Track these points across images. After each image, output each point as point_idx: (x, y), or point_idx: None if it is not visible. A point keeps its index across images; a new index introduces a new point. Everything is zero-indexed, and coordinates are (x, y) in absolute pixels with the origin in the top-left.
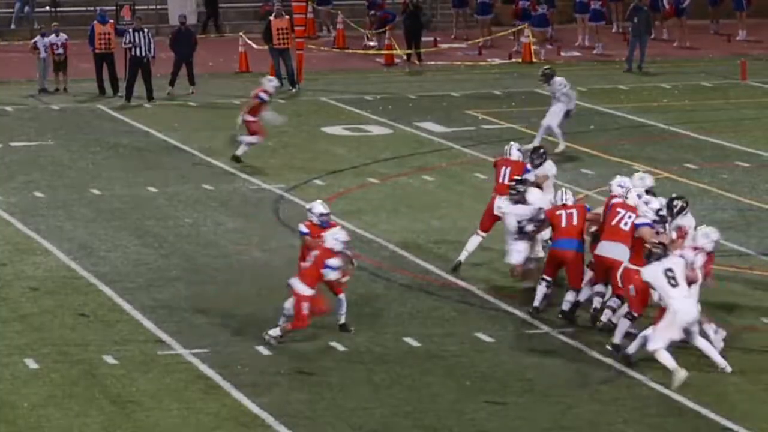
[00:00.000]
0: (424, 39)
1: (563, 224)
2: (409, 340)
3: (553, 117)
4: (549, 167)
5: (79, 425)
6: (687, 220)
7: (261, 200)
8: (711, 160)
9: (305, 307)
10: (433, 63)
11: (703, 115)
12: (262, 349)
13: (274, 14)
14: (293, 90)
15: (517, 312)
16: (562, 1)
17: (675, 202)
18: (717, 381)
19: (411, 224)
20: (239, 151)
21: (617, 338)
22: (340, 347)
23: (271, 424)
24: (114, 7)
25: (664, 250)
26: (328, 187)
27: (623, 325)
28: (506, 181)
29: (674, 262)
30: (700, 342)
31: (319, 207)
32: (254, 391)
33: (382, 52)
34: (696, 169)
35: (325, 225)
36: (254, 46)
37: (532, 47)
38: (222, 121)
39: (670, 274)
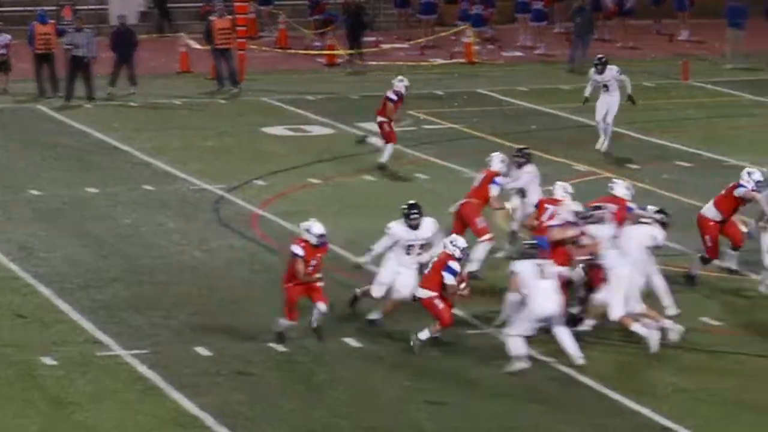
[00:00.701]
0: (366, 39)
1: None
2: (349, 340)
3: (599, 111)
4: (532, 169)
5: (16, 427)
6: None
7: (201, 200)
8: (652, 160)
9: (438, 304)
10: (375, 63)
11: (645, 115)
12: (202, 350)
13: (215, 14)
14: (235, 90)
15: (458, 312)
16: (504, 1)
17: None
18: (657, 381)
19: (353, 224)
20: (384, 159)
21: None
22: (280, 348)
23: (211, 425)
24: (55, 7)
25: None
26: (270, 188)
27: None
28: (476, 185)
29: (547, 262)
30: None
31: (318, 228)
32: (193, 392)
33: (324, 52)
34: (637, 169)
35: (321, 246)
36: (195, 46)
37: (473, 47)
38: (163, 121)
39: (539, 268)
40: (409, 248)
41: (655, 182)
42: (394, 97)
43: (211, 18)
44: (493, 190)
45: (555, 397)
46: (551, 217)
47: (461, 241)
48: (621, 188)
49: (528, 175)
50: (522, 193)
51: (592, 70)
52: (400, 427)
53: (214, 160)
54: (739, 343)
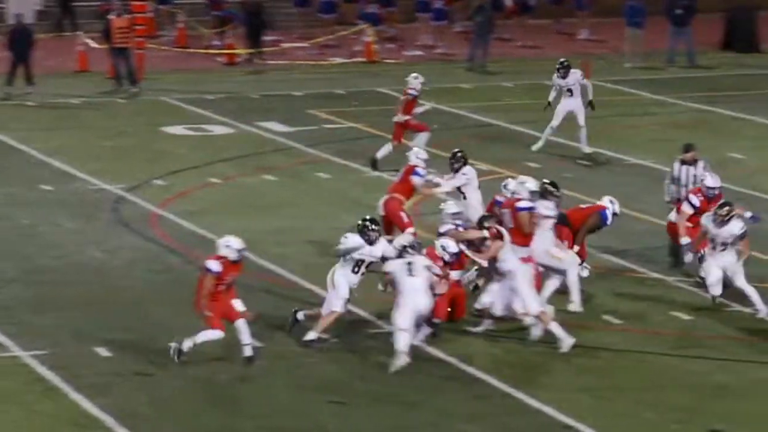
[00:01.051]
0: (265, 38)
1: None
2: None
3: (582, 114)
4: (469, 171)
5: None
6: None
7: (100, 200)
8: (554, 158)
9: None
10: (274, 62)
11: (546, 114)
12: (102, 351)
13: (113, 13)
14: (134, 90)
15: (360, 312)
16: (404, 0)
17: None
18: (559, 379)
19: (253, 224)
20: (379, 154)
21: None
22: (182, 348)
23: (111, 425)
24: None
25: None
26: (169, 188)
27: None
28: (397, 180)
29: (419, 258)
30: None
31: (237, 242)
32: (93, 393)
33: (224, 51)
34: (538, 167)
35: (239, 261)
36: (94, 45)
37: (374, 46)
38: (61, 121)
39: (409, 266)
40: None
41: (557, 179)
42: (416, 93)
43: (110, 17)
44: (416, 181)
45: (456, 396)
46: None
47: (452, 246)
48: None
49: (464, 177)
50: (463, 195)
51: (555, 74)
52: (303, 428)
53: (113, 160)
54: (642, 342)
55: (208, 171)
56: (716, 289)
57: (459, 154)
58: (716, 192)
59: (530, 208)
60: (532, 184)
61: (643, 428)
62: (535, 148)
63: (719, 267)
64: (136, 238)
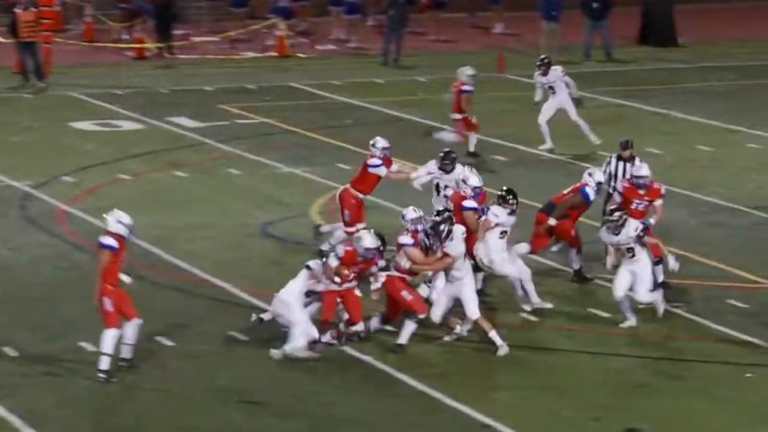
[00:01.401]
0: (175, 32)
1: None
2: (161, 339)
3: (546, 113)
4: (460, 172)
5: None
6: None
7: (7, 198)
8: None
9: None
10: (185, 57)
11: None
12: (8, 350)
13: (20, 7)
14: (41, 84)
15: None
16: None
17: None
18: (478, 377)
19: (163, 221)
20: (472, 147)
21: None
22: (90, 347)
23: (19, 427)
24: None
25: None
26: (78, 184)
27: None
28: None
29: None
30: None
31: (128, 217)
32: (0, 394)
33: (133, 45)
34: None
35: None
36: (0, 39)
37: (286, 41)
38: None
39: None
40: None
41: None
42: (470, 89)
43: (16, 10)
44: (379, 171)
45: (372, 395)
46: None
47: (369, 241)
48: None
49: (431, 174)
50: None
51: (536, 72)
52: (215, 427)
53: (20, 156)
54: (565, 339)
55: (117, 167)
56: (618, 292)
57: (451, 155)
58: (644, 182)
59: (474, 209)
60: (475, 180)
61: (561, 426)
62: (543, 148)
63: (628, 271)
64: (43, 236)
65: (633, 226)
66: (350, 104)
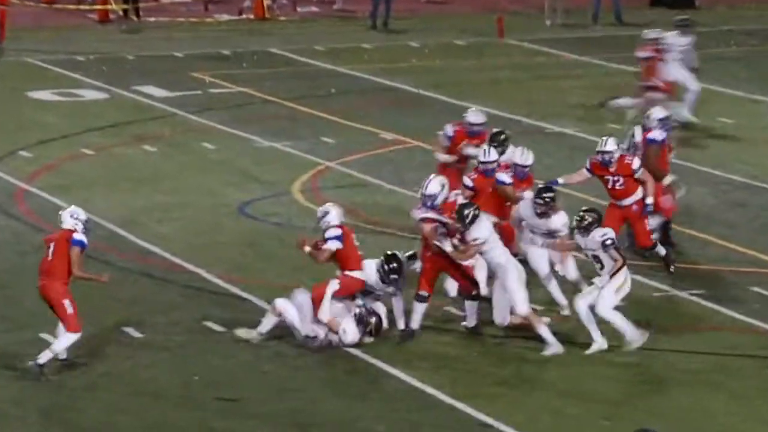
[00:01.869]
0: None
1: None
2: (129, 330)
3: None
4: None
5: None
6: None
7: None
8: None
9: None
10: (153, 20)
11: (457, 76)
12: None
13: None
14: None
15: (251, 298)
16: None
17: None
18: (475, 372)
19: (130, 200)
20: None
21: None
22: (52, 338)
23: None
24: None
25: None
26: (36, 159)
27: None
28: None
29: None
30: None
31: (83, 213)
32: None
33: (96, 7)
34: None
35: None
36: None
37: (265, 2)
38: None
39: None
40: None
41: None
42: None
43: None
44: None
45: (362, 391)
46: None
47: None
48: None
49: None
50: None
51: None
52: (188, 426)
53: None
54: (568, 331)
55: (79, 141)
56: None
57: (503, 136)
58: (610, 158)
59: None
60: (524, 158)
61: (568, 425)
62: (684, 115)
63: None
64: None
65: (600, 233)
66: (335, 71)
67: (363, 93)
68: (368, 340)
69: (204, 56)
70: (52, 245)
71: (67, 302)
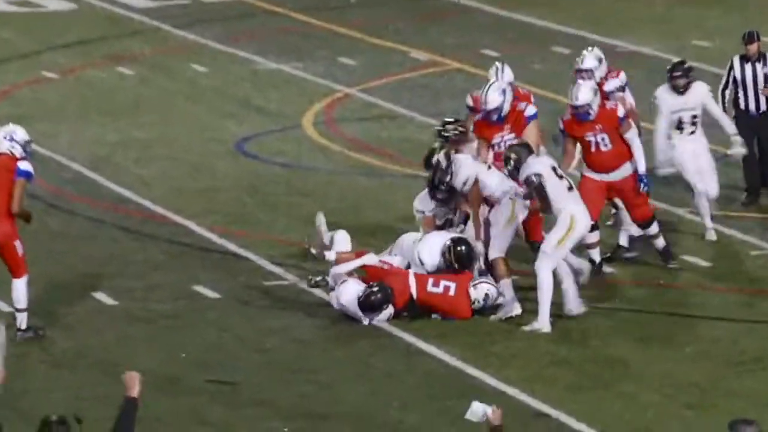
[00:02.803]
0: None
1: None
2: (100, 296)
3: None
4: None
5: None
6: None
7: None
8: (517, 44)
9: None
10: None
11: None
12: None
13: None
14: None
15: (251, 256)
16: None
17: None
18: (527, 353)
19: (103, 135)
20: None
21: None
22: (6, 307)
23: None
24: None
25: None
26: None
27: None
28: None
29: None
30: None
31: (23, 133)
32: None
33: None
34: (496, 56)
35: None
36: None
37: None
38: None
39: None
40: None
41: (525, 73)
42: None
43: None
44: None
45: (388, 372)
46: None
47: None
48: (590, 59)
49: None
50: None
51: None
52: (174, 416)
53: None
54: (643, 296)
55: (40, 61)
56: None
57: (686, 65)
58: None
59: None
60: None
61: (641, 416)
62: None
63: None
64: None
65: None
66: None
67: (389, 2)
68: (376, 316)
69: None
70: None
71: (18, 243)
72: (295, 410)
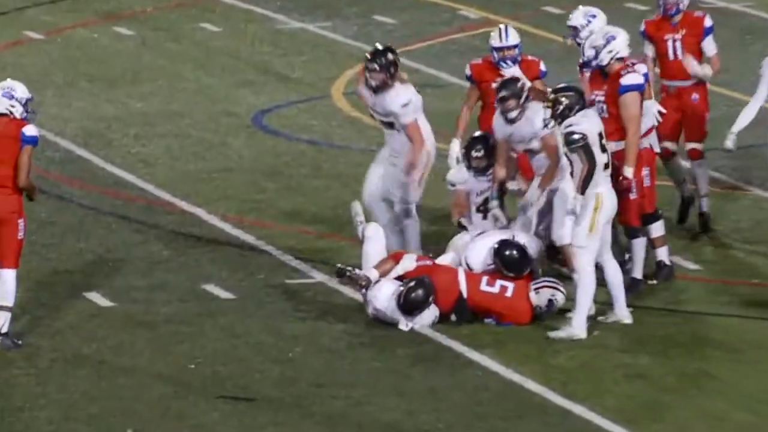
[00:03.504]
0: None
1: None
2: (94, 296)
3: None
4: None
5: None
6: None
7: None
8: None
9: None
10: None
11: None
12: None
13: None
14: None
15: (271, 250)
16: None
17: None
18: (595, 364)
19: (96, 107)
20: None
21: None
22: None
23: None
24: None
25: None
26: None
27: None
28: None
29: None
30: None
31: (24, 89)
32: None
33: None
34: (559, 14)
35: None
36: None
37: None
38: None
39: None
40: None
41: None
42: None
43: None
44: None
45: (432, 386)
46: None
47: None
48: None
49: None
50: None
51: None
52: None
53: None
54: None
55: (21, 20)
56: None
57: None
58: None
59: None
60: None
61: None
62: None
63: None
64: None
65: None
66: None
67: None
68: (418, 319)
69: None
70: None
71: (21, 223)
72: (323, 428)
